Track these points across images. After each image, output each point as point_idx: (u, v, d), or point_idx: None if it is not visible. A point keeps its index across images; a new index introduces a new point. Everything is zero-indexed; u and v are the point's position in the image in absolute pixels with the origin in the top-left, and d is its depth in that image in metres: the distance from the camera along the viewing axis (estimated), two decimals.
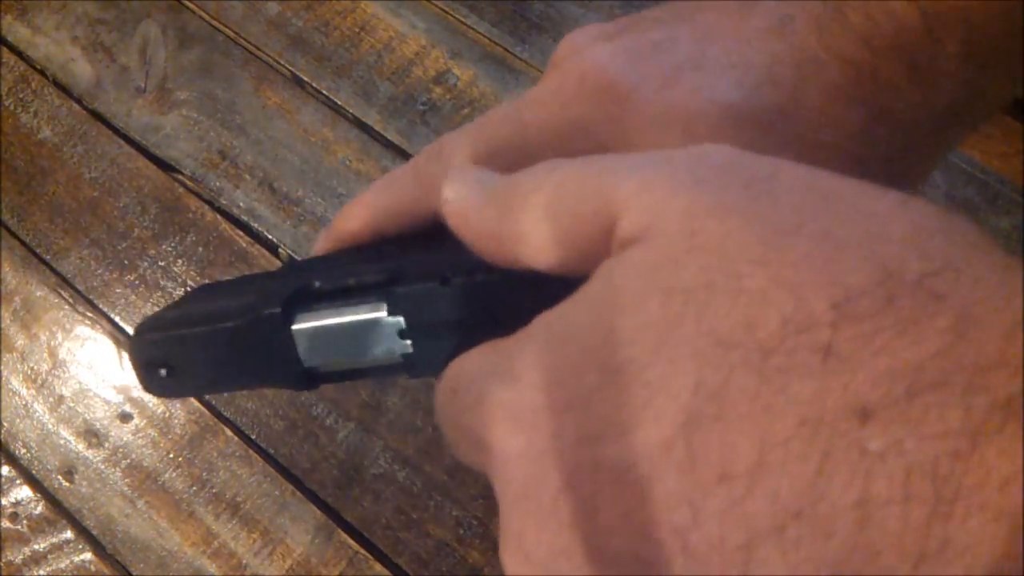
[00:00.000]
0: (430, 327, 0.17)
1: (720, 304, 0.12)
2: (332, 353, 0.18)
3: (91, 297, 0.83)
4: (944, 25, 0.18)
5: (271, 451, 0.77)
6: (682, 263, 0.12)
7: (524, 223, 0.15)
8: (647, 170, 0.14)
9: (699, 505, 0.11)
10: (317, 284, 0.18)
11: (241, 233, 0.84)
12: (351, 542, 0.74)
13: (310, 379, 0.19)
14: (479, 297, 0.17)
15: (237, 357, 0.19)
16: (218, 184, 0.86)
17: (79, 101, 0.90)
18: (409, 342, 0.18)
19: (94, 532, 0.76)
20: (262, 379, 0.20)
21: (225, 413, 0.80)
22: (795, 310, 0.11)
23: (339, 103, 0.88)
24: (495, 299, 0.17)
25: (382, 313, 0.18)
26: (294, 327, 0.18)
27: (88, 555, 0.75)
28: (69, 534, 0.75)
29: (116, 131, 0.89)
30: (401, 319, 0.17)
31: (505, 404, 0.14)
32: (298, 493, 0.76)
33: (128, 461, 0.77)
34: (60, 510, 0.76)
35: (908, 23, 0.18)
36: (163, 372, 0.20)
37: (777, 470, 0.10)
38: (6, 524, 0.76)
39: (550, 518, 0.13)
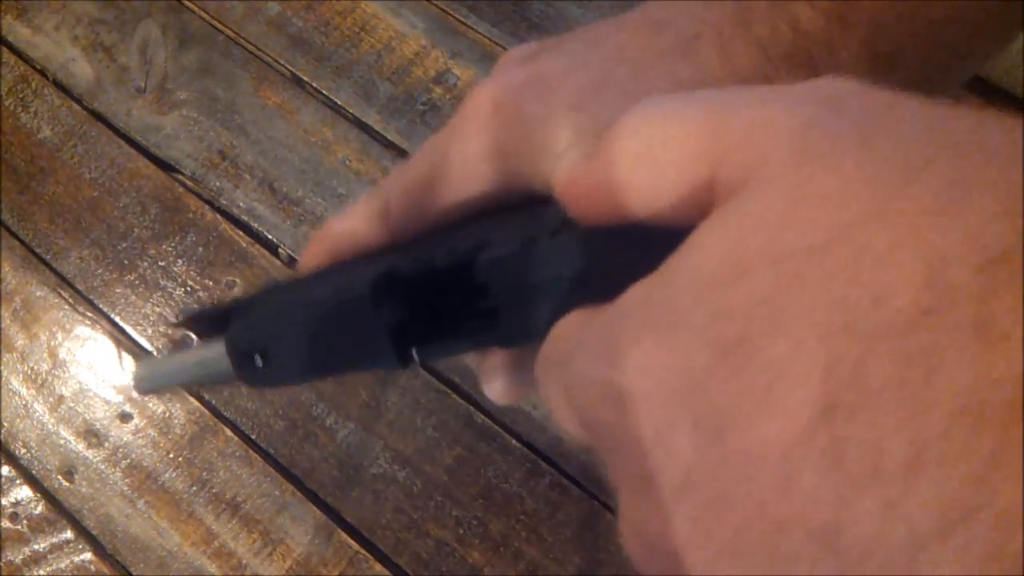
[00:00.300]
0: (516, 292, 0.17)
1: (843, 268, 0.10)
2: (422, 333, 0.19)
3: (91, 297, 0.83)
4: (847, 29, 0.18)
5: (271, 451, 0.77)
6: (793, 219, 0.11)
7: (620, 169, 0.14)
8: (754, 108, 0.12)
9: (851, 503, 0.10)
10: (399, 264, 0.18)
11: (241, 233, 0.84)
12: (351, 542, 0.74)
13: (405, 355, 0.19)
14: (567, 256, 0.17)
15: (331, 338, 0.19)
16: (218, 184, 0.86)
17: (79, 101, 0.90)
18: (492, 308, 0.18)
19: (94, 532, 0.76)
20: (359, 358, 0.20)
21: (225, 413, 0.80)
22: (933, 275, 0.10)
23: (339, 103, 0.88)
24: (584, 256, 0.17)
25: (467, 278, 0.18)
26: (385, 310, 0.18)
27: (88, 555, 0.75)
28: (69, 534, 0.75)
29: (116, 131, 0.89)
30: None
31: (608, 388, 0.13)
32: (298, 493, 0.76)
33: (128, 461, 0.77)
34: (60, 510, 0.76)
35: (810, 28, 0.18)
36: (259, 360, 0.20)
37: (937, 467, 0.09)
38: (6, 524, 0.76)
39: (674, 513, 0.12)
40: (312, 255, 0.21)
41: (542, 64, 0.19)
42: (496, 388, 0.21)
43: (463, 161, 0.19)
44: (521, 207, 0.19)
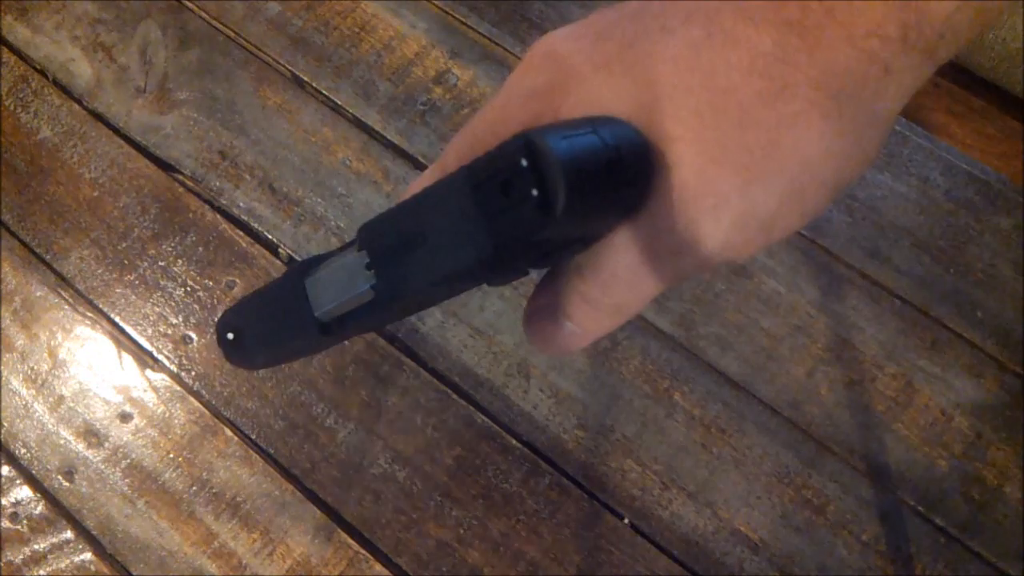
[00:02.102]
0: (390, 251, 0.20)
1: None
2: (329, 298, 0.22)
3: (91, 297, 0.83)
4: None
5: (271, 451, 0.78)
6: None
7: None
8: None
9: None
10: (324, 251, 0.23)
11: (241, 233, 0.84)
12: (351, 542, 0.74)
13: (324, 327, 0.22)
14: (418, 213, 0.20)
15: (276, 317, 0.23)
16: (218, 184, 0.87)
17: (79, 101, 0.90)
18: (373, 272, 0.21)
19: (94, 532, 0.76)
20: (293, 335, 0.23)
21: (225, 413, 0.80)
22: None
23: (339, 103, 0.88)
24: (429, 209, 0.20)
25: (353, 252, 0.21)
26: (306, 280, 0.22)
27: (88, 555, 0.75)
28: (69, 534, 0.75)
29: (116, 131, 0.89)
30: (365, 253, 0.20)
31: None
32: (298, 493, 0.76)
33: (128, 461, 0.78)
34: (60, 510, 0.76)
35: None
36: (230, 336, 0.23)
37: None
38: (6, 524, 0.76)
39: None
40: None
41: (584, 20, 0.21)
42: (559, 340, 0.22)
43: (503, 108, 0.21)
44: None
